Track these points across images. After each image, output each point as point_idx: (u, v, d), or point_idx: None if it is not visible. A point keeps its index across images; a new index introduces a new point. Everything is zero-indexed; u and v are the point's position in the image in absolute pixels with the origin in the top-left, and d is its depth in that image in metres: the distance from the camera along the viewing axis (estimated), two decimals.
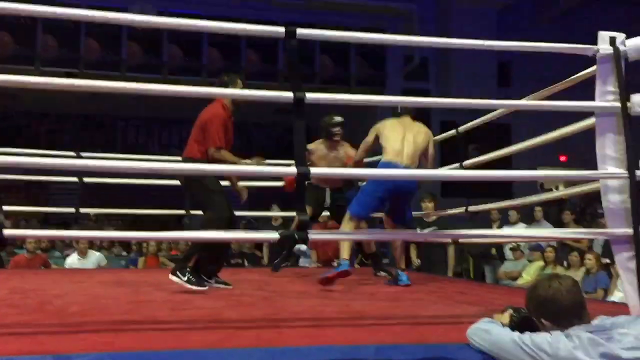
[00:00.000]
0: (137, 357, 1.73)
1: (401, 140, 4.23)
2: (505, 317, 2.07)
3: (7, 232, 2.17)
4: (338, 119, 4.85)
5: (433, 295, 3.75)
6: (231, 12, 10.52)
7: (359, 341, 2.07)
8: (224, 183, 4.12)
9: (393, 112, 4.60)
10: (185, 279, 3.50)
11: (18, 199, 8.46)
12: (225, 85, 3.84)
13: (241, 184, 4.37)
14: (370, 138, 4.41)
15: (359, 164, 4.57)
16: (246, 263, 7.50)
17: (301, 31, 2.56)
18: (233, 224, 3.83)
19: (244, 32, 2.91)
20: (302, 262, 7.37)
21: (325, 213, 5.20)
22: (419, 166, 4.31)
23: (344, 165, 4.75)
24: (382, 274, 4.81)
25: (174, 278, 3.53)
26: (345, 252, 4.14)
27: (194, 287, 3.49)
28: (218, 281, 3.77)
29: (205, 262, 3.70)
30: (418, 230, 5.84)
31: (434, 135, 4.61)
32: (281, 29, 2.53)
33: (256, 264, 7.64)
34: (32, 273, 5.41)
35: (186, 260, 3.63)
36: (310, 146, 4.79)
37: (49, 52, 10.11)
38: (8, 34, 9.84)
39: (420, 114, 4.57)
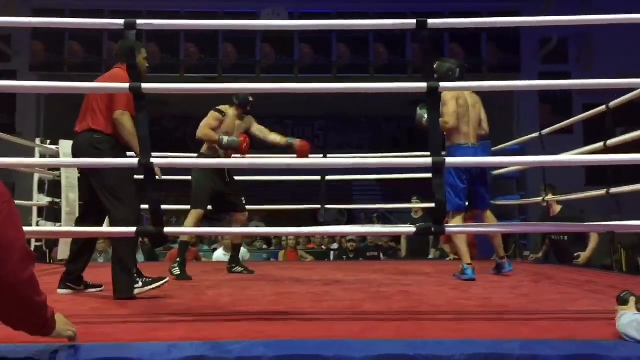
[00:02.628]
0: (288, 345, 1.82)
1: (465, 115, 3.87)
2: (631, 306, 1.97)
3: (167, 229, 2.37)
4: None
5: (581, 289, 3.55)
6: (359, 6, 10.61)
7: (503, 336, 2.02)
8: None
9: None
10: (141, 284, 3.09)
11: (168, 198, 9.18)
12: (132, 52, 2.88)
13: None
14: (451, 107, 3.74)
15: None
16: (382, 256, 7.57)
17: (433, 21, 2.55)
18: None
19: (376, 27, 2.93)
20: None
21: None
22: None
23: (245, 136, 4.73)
24: (239, 269, 4.80)
25: (136, 291, 3.07)
26: (466, 256, 4.07)
27: (155, 285, 3.11)
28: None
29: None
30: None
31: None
32: (412, 21, 2.53)
33: (392, 257, 7.68)
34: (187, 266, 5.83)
35: (130, 274, 3.10)
36: (221, 108, 4.72)
37: (191, 59, 10.87)
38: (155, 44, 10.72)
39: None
